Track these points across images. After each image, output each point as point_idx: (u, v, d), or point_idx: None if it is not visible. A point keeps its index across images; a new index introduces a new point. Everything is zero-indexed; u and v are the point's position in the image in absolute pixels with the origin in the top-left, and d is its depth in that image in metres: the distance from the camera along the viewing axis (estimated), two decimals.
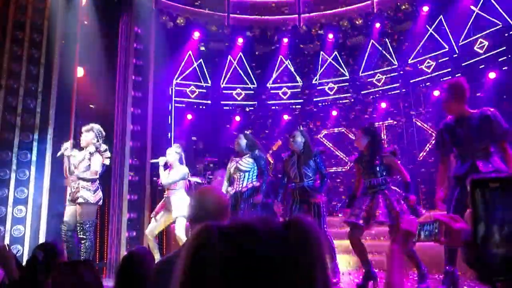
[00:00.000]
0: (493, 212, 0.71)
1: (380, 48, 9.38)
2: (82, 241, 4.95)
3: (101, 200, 5.29)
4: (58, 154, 5.34)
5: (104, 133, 5.48)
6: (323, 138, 9.75)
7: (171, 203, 5.52)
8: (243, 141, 5.40)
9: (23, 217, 5.79)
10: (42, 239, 5.79)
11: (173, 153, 5.72)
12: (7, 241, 5.49)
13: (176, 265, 0.73)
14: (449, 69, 8.51)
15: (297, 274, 0.66)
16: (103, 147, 5.35)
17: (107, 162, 5.38)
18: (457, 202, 3.59)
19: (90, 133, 5.28)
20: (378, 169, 4.38)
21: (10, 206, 5.74)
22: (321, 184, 4.95)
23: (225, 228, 0.70)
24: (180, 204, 5.39)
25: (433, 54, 8.77)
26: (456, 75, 8.39)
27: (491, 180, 0.73)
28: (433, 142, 6.98)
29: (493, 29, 7.86)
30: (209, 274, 0.66)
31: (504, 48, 7.70)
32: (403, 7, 8.80)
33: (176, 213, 5.43)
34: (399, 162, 4.52)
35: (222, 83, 10.19)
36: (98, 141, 5.33)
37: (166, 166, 5.80)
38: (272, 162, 6.73)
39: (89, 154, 5.19)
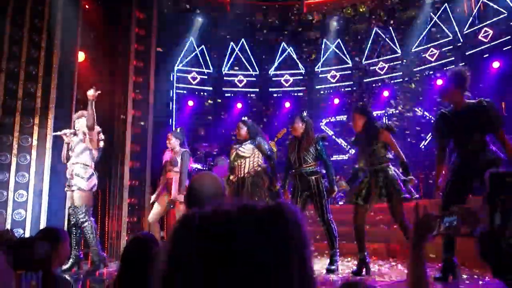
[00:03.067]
0: (510, 206, 0.70)
1: (384, 36, 9.30)
2: (83, 225, 4.97)
3: (95, 187, 5.23)
4: (57, 133, 5.28)
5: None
6: (325, 126, 9.73)
7: (172, 185, 5.52)
8: (243, 129, 5.37)
9: (24, 201, 5.81)
10: (43, 223, 5.82)
11: (173, 138, 5.73)
12: (8, 225, 5.51)
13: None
14: (453, 58, 8.45)
15: (273, 256, 0.66)
16: (96, 129, 5.24)
17: (102, 144, 5.33)
18: (451, 190, 3.64)
19: (82, 119, 5.21)
20: (375, 147, 4.39)
21: (11, 191, 5.75)
22: (327, 171, 4.92)
23: (206, 216, 0.69)
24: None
25: (437, 43, 8.70)
26: (460, 64, 8.33)
27: (508, 175, 0.72)
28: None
29: (498, 18, 7.78)
30: (186, 263, 0.66)
31: (509, 37, 7.62)
32: None
33: (175, 196, 5.44)
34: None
35: (224, 70, 10.14)
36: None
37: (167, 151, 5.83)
38: (276, 150, 6.70)
39: (82, 134, 5.14)
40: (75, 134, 5.24)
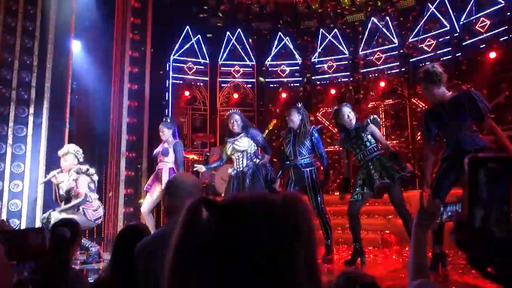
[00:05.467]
0: (490, 193, 0.69)
1: (381, 26, 9.26)
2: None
3: (100, 219, 5.15)
4: (45, 179, 5.12)
5: (81, 150, 5.23)
6: (321, 117, 9.71)
7: (163, 175, 5.45)
8: (239, 121, 5.30)
9: (20, 191, 5.80)
10: (38, 213, 5.82)
11: (165, 129, 5.64)
12: (4, 215, 5.51)
13: (161, 243, 0.74)
14: (450, 48, 8.42)
15: (280, 249, 0.67)
16: (84, 167, 5.09)
17: (96, 178, 5.18)
18: (441, 181, 3.69)
19: (69, 156, 5.08)
20: (365, 139, 4.43)
21: (7, 181, 5.74)
22: (322, 164, 4.89)
23: (215, 202, 0.71)
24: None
25: (434, 33, 8.67)
26: (456, 55, 8.32)
27: (489, 160, 0.71)
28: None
29: (495, 7, 7.75)
30: (198, 247, 0.67)
31: (506, 27, 7.60)
32: None
33: None
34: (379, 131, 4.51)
35: (220, 60, 10.08)
36: (78, 161, 5.13)
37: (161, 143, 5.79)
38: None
39: (73, 181, 4.97)
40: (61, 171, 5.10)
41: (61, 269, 2.28)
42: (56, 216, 4.73)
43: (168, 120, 5.83)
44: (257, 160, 5.15)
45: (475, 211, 0.68)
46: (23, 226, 5.68)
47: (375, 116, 4.68)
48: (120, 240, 2.13)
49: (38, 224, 5.77)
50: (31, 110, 6.00)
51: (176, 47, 9.64)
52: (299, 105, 5.13)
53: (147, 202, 5.59)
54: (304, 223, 0.70)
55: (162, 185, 5.46)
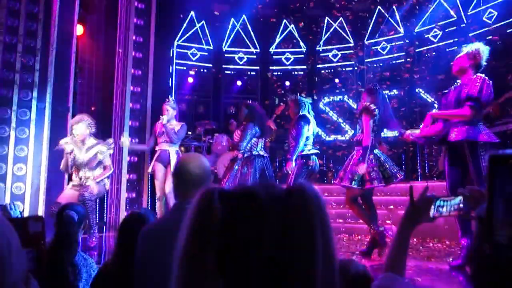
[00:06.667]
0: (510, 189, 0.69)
1: (387, 15, 9.17)
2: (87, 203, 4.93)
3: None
4: (56, 147, 5.18)
5: (93, 121, 5.34)
6: (325, 106, 9.68)
7: (170, 156, 5.50)
8: (244, 111, 5.47)
9: (23, 175, 5.82)
10: (42, 198, 5.84)
11: (170, 109, 5.68)
12: (7, 198, 5.53)
13: (163, 230, 0.75)
14: (456, 39, 8.34)
15: (296, 241, 0.67)
16: (111, 141, 5.34)
17: (111, 151, 5.37)
18: (450, 170, 3.76)
19: (82, 125, 5.12)
20: (357, 126, 4.50)
21: (10, 164, 5.75)
22: (291, 151, 4.89)
23: (227, 194, 0.70)
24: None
25: (440, 23, 8.58)
26: (463, 46, 8.23)
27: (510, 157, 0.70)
28: None
29: None
30: (210, 237, 0.67)
31: None
32: None
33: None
34: (369, 122, 4.31)
35: (224, 47, 10.01)
36: (90, 131, 5.21)
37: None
38: (274, 128, 6.69)
39: (96, 153, 5.11)
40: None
41: (67, 253, 2.30)
42: (93, 185, 4.97)
43: (172, 101, 5.84)
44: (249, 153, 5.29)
45: (495, 208, 0.67)
46: (26, 209, 5.71)
47: (367, 104, 4.62)
48: (124, 227, 2.15)
49: (41, 207, 5.80)
50: (35, 94, 5.98)
51: (180, 32, 9.58)
52: (297, 95, 5.22)
53: (158, 187, 5.61)
54: (316, 213, 0.70)
55: (170, 167, 5.42)
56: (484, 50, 3.78)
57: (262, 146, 5.47)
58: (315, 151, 5.02)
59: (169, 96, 6.04)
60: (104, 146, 5.16)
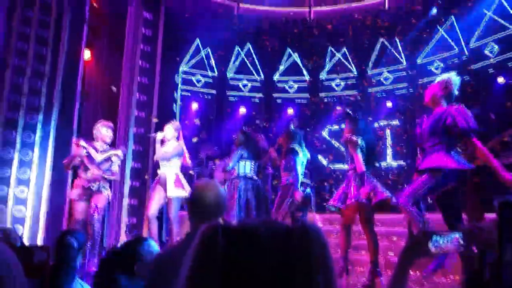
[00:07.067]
0: None
1: (390, 47, 9.32)
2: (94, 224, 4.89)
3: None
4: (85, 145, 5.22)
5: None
6: (327, 135, 9.72)
7: (166, 180, 5.26)
8: (239, 138, 5.75)
9: (25, 198, 5.81)
10: (42, 221, 5.82)
11: (171, 128, 5.49)
12: (8, 221, 5.51)
13: (176, 259, 0.75)
14: (458, 71, 8.44)
15: (297, 281, 0.66)
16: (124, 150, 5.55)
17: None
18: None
19: (102, 129, 5.27)
20: (346, 155, 4.63)
21: (12, 186, 5.75)
22: (294, 182, 5.15)
23: (230, 230, 0.71)
24: (175, 184, 5.20)
25: (442, 56, 8.71)
26: (464, 78, 8.33)
27: None
28: None
29: (504, 33, 7.79)
30: (212, 275, 0.67)
31: None
32: (415, 7, 8.74)
33: (171, 193, 5.15)
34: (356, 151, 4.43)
35: (229, 74, 10.15)
36: (108, 138, 5.37)
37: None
38: (274, 156, 6.73)
39: (110, 155, 5.20)
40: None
41: (65, 279, 2.28)
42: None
43: (176, 122, 5.81)
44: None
45: (506, 252, 0.68)
46: (26, 233, 5.68)
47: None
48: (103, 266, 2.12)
49: (41, 230, 5.77)
50: (40, 117, 6.03)
51: (186, 59, 9.73)
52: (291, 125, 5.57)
53: (153, 208, 5.39)
54: (320, 256, 0.70)
55: (163, 191, 5.28)
56: (455, 80, 3.85)
57: (252, 168, 5.68)
58: (304, 180, 5.27)
59: (174, 121, 6.00)
60: (119, 151, 5.29)
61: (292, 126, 5.57)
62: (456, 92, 3.82)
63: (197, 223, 1.83)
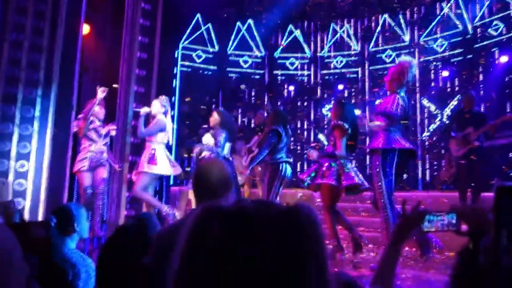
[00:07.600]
0: None
1: (393, 24, 9.19)
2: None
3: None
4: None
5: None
6: (328, 112, 9.68)
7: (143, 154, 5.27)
8: (214, 118, 5.44)
9: (25, 171, 5.83)
10: (43, 194, 5.86)
11: (158, 104, 5.41)
12: (10, 195, 5.55)
13: (175, 238, 0.73)
14: (461, 50, 8.35)
15: (290, 263, 0.67)
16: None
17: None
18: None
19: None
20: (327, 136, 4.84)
21: (13, 161, 5.76)
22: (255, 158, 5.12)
23: (226, 212, 0.71)
24: (148, 160, 5.15)
25: (446, 34, 8.60)
26: (467, 56, 8.26)
27: None
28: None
29: (509, 11, 7.67)
30: (206, 257, 0.67)
31: None
32: None
33: (141, 167, 5.15)
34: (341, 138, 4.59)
35: (229, 50, 10.04)
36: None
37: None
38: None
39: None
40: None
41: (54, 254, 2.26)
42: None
43: (165, 97, 5.64)
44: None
45: (502, 237, 0.68)
46: (27, 207, 5.73)
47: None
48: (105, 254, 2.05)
49: (42, 204, 5.82)
50: (39, 91, 5.99)
51: (186, 34, 9.60)
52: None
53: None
54: (313, 238, 0.70)
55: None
56: (413, 64, 4.01)
57: (229, 149, 5.68)
58: (287, 159, 5.06)
59: (163, 96, 5.88)
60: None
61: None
62: (410, 79, 4.17)
63: (202, 201, 1.83)
